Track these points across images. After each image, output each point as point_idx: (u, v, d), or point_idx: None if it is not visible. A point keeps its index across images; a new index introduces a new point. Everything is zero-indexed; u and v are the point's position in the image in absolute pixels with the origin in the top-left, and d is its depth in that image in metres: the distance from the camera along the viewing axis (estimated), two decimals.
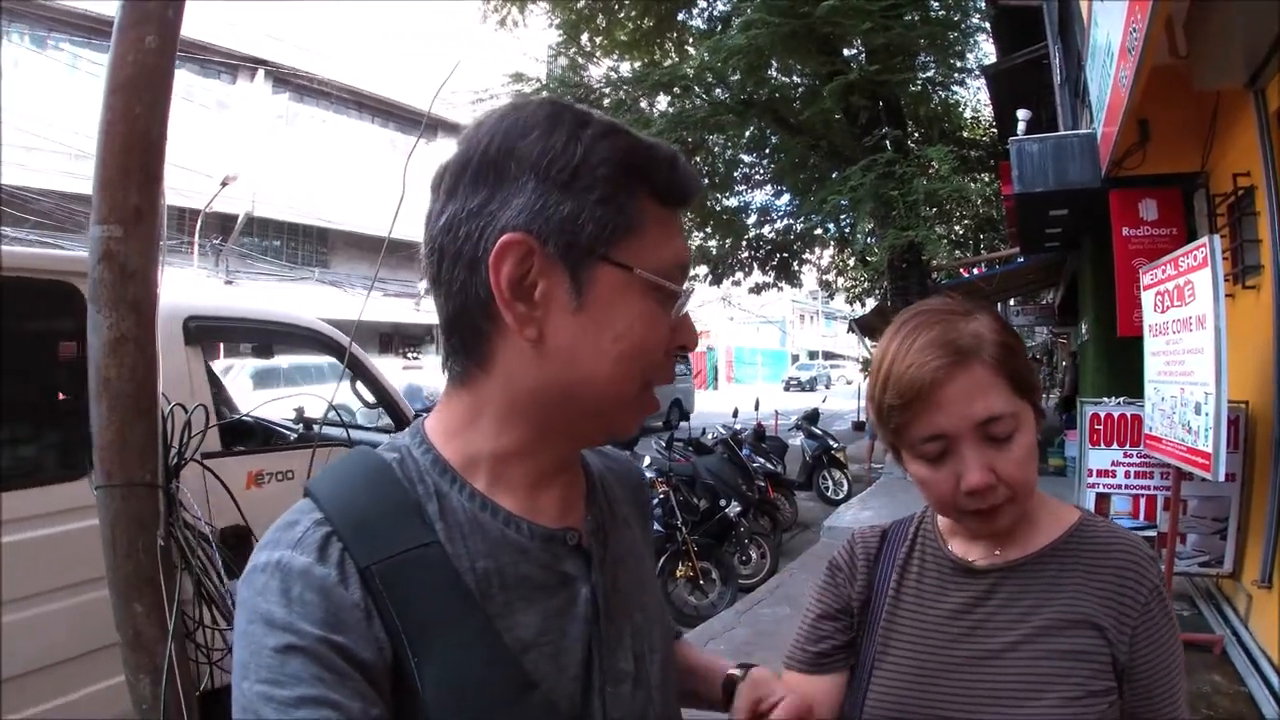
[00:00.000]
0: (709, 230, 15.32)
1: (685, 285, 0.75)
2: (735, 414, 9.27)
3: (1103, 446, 4.76)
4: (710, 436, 8.41)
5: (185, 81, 19.93)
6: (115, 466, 1.73)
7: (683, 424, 8.42)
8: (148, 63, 1.76)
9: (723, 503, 6.55)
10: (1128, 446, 4.67)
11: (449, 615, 0.67)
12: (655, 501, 6.11)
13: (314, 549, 0.65)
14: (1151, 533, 4.46)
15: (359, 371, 4.07)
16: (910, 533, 1.14)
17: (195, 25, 17.66)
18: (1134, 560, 0.99)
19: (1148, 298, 4.43)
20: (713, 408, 12.15)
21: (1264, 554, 3.88)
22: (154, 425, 1.81)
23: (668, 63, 13.38)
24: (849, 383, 33.45)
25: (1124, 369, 6.10)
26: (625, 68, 13.75)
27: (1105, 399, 4.90)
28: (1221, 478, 3.53)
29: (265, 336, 4.27)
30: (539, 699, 0.69)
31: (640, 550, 0.90)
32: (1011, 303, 17.16)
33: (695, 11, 13.69)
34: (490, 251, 0.67)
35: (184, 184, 16.98)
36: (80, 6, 17.62)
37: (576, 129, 0.69)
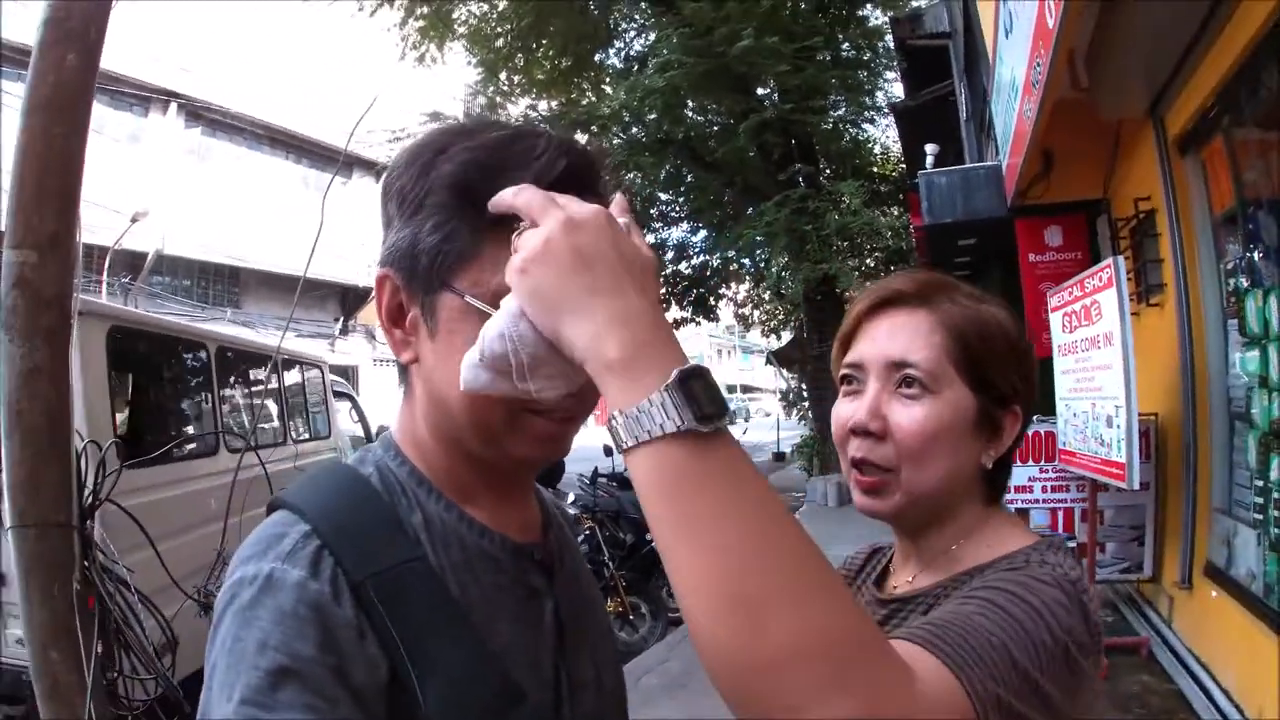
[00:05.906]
0: None
1: None
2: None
3: (1019, 464, 4.93)
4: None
5: (96, 113, 19.05)
6: (28, 506, 1.61)
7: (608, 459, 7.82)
8: (68, 83, 1.70)
9: (648, 536, 6.43)
10: (1043, 462, 4.84)
11: (444, 629, 0.66)
12: (581, 538, 6.02)
13: (306, 563, 0.63)
14: (1071, 544, 4.64)
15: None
16: (873, 557, 1.08)
17: (108, 56, 17.03)
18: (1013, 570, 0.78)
19: (1056, 319, 4.66)
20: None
21: (1181, 557, 4.08)
22: (68, 462, 1.70)
23: (585, 102, 13.51)
24: (767, 415, 33.63)
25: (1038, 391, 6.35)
26: (543, 106, 13.82)
27: None
28: (1136, 485, 3.74)
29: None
30: (529, 708, 0.70)
31: (587, 573, 0.94)
32: None
33: (612, 51, 13.93)
34: None
35: (93, 219, 16.21)
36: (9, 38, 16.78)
37: (434, 158, 0.70)
